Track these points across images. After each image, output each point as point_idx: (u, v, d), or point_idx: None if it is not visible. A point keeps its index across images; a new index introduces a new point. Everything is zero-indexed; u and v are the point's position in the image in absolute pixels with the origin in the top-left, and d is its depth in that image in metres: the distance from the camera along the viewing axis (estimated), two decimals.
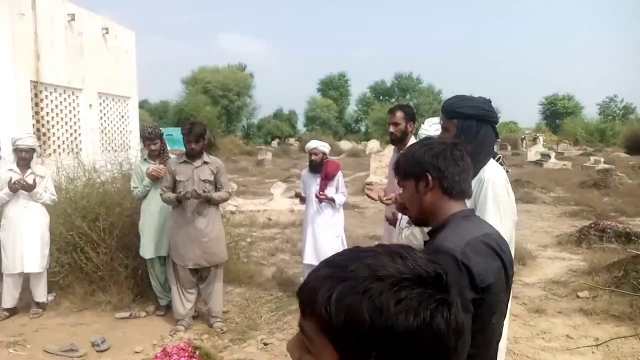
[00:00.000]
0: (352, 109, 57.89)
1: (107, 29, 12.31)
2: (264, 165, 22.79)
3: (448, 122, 2.16)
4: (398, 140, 3.65)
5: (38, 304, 4.87)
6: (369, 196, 3.56)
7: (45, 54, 9.83)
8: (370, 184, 10.64)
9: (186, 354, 3.21)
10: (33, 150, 4.84)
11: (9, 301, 4.76)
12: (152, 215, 4.70)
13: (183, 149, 4.49)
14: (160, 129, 5.00)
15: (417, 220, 1.53)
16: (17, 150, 4.74)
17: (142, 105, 14.11)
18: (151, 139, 4.70)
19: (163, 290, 4.81)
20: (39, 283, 4.83)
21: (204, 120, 31.44)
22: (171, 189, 4.27)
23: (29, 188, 4.60)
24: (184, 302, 4.40)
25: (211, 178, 4.28)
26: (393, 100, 51.44)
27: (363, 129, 54.25)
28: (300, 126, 53.57)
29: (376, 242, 7.30)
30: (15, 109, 9.05)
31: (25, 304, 4.96)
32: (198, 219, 4.24)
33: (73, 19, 10.76)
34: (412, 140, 3.53)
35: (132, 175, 4.97)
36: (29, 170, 4.77)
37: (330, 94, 53.80)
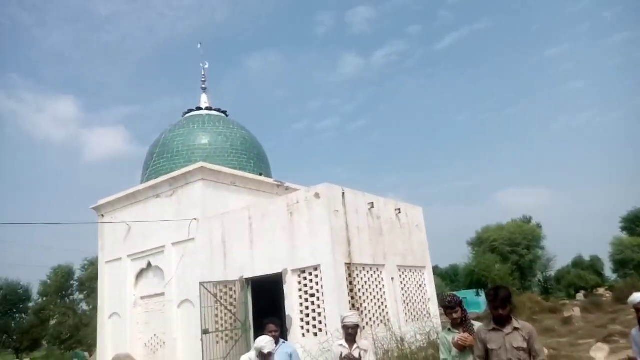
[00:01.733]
0: None
1: (399, 209, 14.01)
2: (572, 323, 19.95)
3: None
4: None
5: None
6: None
7: (354, 239, 11.66)
8: None
9: None
10: (357, 326, 5.48)
11: None
12: None
13: (477, 311, 4.49)
14: (459, 296, 5.14)
15: None
16: (345, 327, 5.43)
17: (434, 271, 14.84)
18: (452, 308, 4.84)
19: None
20: None
21: (496, 279, 30.45)
22: (484, 359, 4.25)
23: None
24: None
25: (524, 345, 4.11)
26: None
27: None
28: (609, 272, 46.09)
29: None
30: (336, 288, 10.71)
31: None
32: None
33: (372, 207, 12.71)
34: None
35: (439, 345, 5.13)
36: (355, 345, 5.37)
37: None
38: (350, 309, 10.52)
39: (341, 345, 5.38)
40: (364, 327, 10.75)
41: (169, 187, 14.79)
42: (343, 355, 5.18)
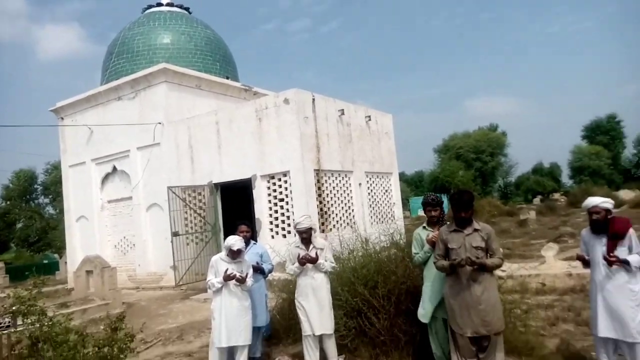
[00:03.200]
0: (629, 152, 49.80)
1: (369, 116, 13.90)
2: (527, 225, 21.21)
3: None
4: None
5: None
6: None
7: (323, 146, 11.63)
8: None
9: None
10: (310, 229, 5.62)
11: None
12: (432, 280, 4.88)
13: None
14: (441, 197, 5.20)
15: None
16: (298, 232, 5.61)
17: (400, 177, 15.22)
18: (432, 205, 4.96)
19: (444, 356, 4.86)
20: (330, 343, 5.45)
21: (459, 185, 31.59)
22: (444, 257, 4.43)
23: (313, 261, 5.37)
24: None
25: (482, 245, 4.30)
26: None
27: None
28: (565, 179, 48.48)
29: None
30: (304, 193, 10.86)
31: None
32: (473, 286, 4.26)
33: (343, 114, 12.55)
34: None
35: (412, 241, 5.30)
36: (311, 246, 5.56)
37: (599, 139, 47.55)
38: (318, 213, 10.79)
39: (298, 247, 5.55)
40: (330, 229, 11.10)
41: (130, 89, 14.13)
42: (300, 256, 5.34)
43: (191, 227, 12.51)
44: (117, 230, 15.12)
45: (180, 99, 13.69)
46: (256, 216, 11.66)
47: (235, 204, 13.17)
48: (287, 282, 7.65)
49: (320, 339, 5.54)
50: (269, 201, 11.58)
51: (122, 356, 4.29)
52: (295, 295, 5.64)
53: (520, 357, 5.39)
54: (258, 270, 5.93)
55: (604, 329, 4.34)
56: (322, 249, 5.55)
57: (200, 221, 12.56)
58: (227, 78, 15.99)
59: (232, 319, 5.30)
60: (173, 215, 11.86)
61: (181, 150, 13.06)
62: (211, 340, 5.43)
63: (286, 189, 11.24)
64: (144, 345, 8.02)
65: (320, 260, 5.42)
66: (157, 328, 8.86)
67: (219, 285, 5.31)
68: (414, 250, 5.10)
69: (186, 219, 12.35)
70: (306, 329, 5.44)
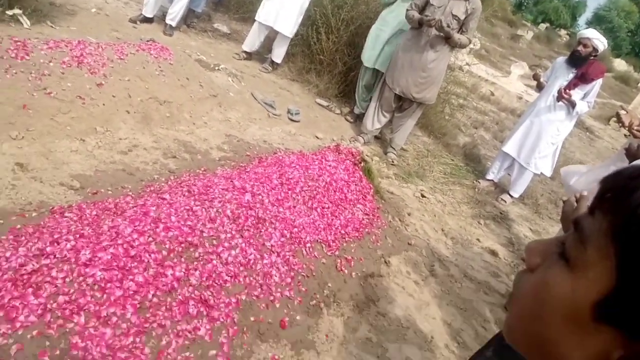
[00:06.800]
0: None
1: None
2: (518, 41, 20.53)
3: None
4: None
5: (272, 63, 5.37)
6: (619, 119, 2.91)
7: None
8: (626, 110, 8.97)
9: (353, 159, 3.35)
10: None
11: (248, 46, 5.31)
12: (386, 24, 4.53)
13: None
14: None
15: None
16: None
17: None
18: None
19: (363, 100, 4.92)
20: (281, 45, 5.24)
21: None
22: (419, 9, 4.02)
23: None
24: (374, 120, 4.49)
25: (462, 17, 3.89)
26: None
27: None
28: (582, 22, 45.68)
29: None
30: None
31: (257, 53, 5.54)
32: (428, 51, 4.01)
33: None
34: None
35: None
36: None
37: None
38: None
39: None
40: None
41: None
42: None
43: None
44: None
45: None
46: None
47: None
48: None
49: (272, 36, 5.30)
50: None
51: None
52: None
53: (429, 136, 5.66)
54: None
55: (511, 146, 4.50)
56: None
57: None
58: None
59: None
60: None
61: None
62: None
63: None
64: None
65: None
66: None
67: None
68: None
69: None
70: (262, 17, 5.09)
